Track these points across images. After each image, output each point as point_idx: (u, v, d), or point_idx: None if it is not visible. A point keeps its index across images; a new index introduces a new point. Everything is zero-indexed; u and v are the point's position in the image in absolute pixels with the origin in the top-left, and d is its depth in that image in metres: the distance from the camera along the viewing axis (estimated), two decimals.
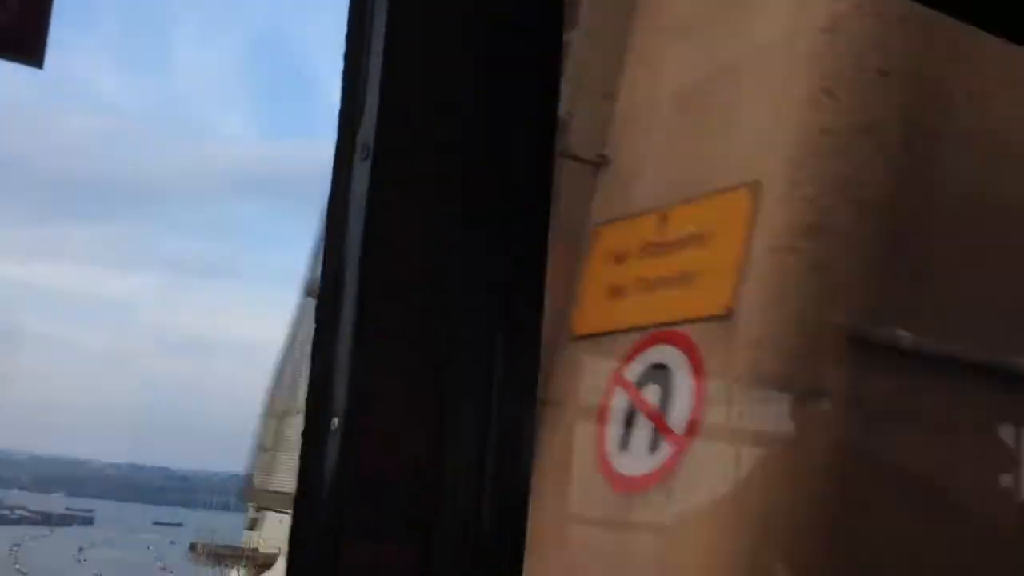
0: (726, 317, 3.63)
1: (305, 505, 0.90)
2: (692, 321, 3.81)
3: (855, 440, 3.58)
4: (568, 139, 4.34)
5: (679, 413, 3.75)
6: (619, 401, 3.99)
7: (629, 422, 3.90)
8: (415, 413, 0.96)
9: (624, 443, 3.92)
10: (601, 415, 4.05)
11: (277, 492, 10.26)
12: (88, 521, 75.78)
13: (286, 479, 9.77)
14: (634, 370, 3.93)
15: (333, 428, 0.92)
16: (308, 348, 1.00)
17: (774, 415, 3.69)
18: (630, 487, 3.83)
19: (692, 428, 3.71)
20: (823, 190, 3.61)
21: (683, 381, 3.74)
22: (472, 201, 1.03)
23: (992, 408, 3.82)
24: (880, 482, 3.60)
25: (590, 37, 4.52)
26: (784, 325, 3.61)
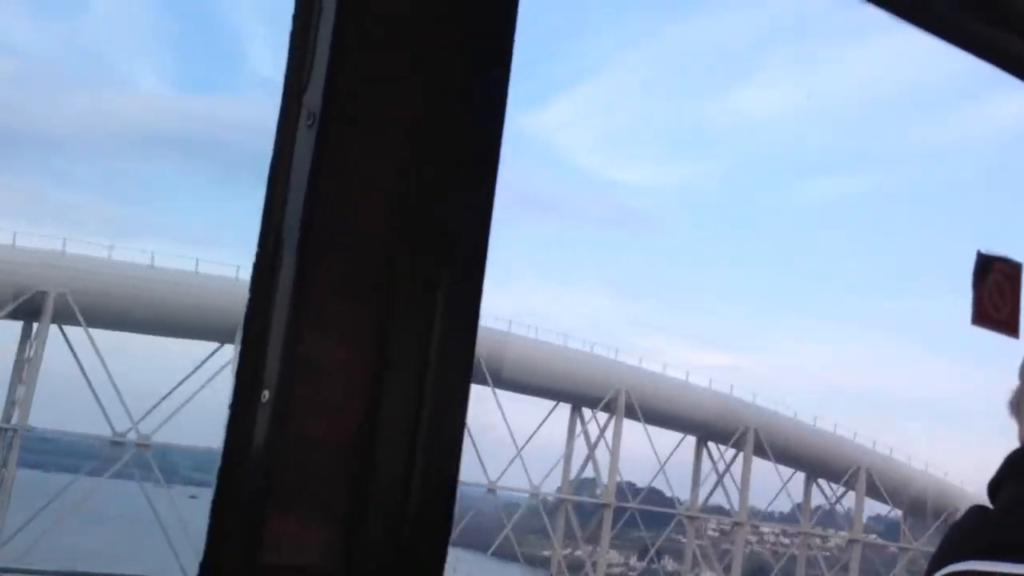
0: None
1: (229, 477, 0.89)
2: None
3: None
4: None
5: None
6: None
7: None
8: (352, 382, 0.94)
9: None
10: None
11: None
12: None
13: None
14: None
15: (264, 400, 0.90)
16: None
17: None
18: None
19: None
20: None
21: None
22: (417, 170, 1.01)
23: None
24: None
25: None
26: None
